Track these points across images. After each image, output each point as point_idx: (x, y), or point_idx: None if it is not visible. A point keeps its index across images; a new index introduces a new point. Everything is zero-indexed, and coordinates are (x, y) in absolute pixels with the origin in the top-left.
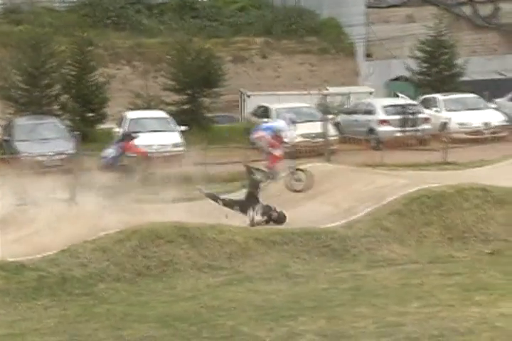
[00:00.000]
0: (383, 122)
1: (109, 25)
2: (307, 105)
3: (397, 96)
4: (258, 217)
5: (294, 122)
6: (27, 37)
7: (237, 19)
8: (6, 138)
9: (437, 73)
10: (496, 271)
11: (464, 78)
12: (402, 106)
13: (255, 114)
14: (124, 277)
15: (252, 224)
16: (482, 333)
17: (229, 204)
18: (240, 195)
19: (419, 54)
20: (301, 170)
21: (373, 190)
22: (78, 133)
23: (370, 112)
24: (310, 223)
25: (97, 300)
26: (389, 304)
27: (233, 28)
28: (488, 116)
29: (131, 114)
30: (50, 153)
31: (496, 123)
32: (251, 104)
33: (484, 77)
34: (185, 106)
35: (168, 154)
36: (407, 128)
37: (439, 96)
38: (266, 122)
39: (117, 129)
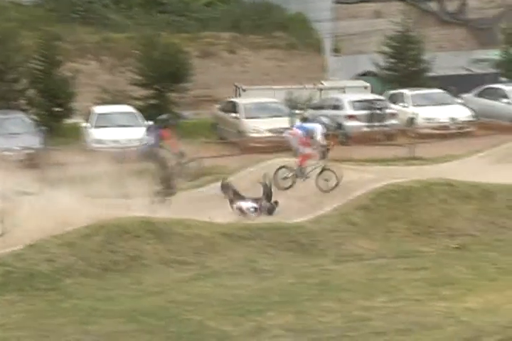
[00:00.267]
0: (351, 117)
1: (76, 20)
2: (275, 100)
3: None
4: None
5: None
6: None
7: (204, 14)
8: None
9: (404, 69)
10: (462, 266)
11: (431, 74)
12: (370, 101)
13: (223, 109)
14: (91, 272)
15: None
16: (448, 327)
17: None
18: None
19: (386, 49)
20: (330, 169)
21: (341, 185)
22: (45, 128)
23: (337, 107)
24: (277, 218)
25: (64, 295)
26: (356, 299)
27: (201, 23)
28: (455, 111)
29: (99, 109)
30: (16, 148)
31: (463, 119)
32: (247, 98)
33: (451, 73)
34: (153, 101)
35: (135, 149)
36: (375, 124)
37: (406, 92)
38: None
39: (83, 124)
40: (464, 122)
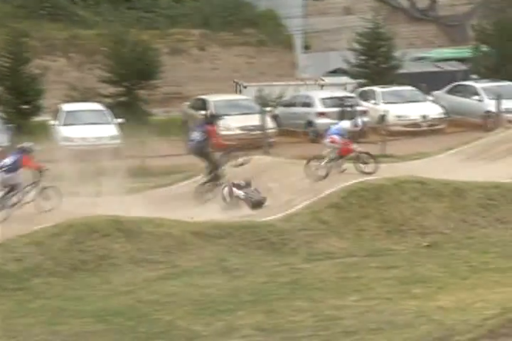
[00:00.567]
0: (321, 114)
1: (43, 17)
2: (245, 97)
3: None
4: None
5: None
6: None
7: (174, 11)
8: None
9: (375, 65)
10: (434, 264)
11: (402, 70)
12: (340, 98)
13: (193, 106)
14: (60, 271)
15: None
16: (420, 326)
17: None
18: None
19: (356, 46)
20: (368, 153)
21: (311, 182)
22: (13, 125)
23: (308, 105)
24: (248, 216)
25: (32, 295)
26: (327, 298)
27: (170, 20)
28: (426, 108)
29: (67, 107)
30: None
31: (434, 116)
32: (247, 95)
33: (422, 70)
34: (122, 99)
35: (105, 147)
36: None
37: (377, 89)
38: (336, 124)
39: (52, 122)
40: (434, 119)
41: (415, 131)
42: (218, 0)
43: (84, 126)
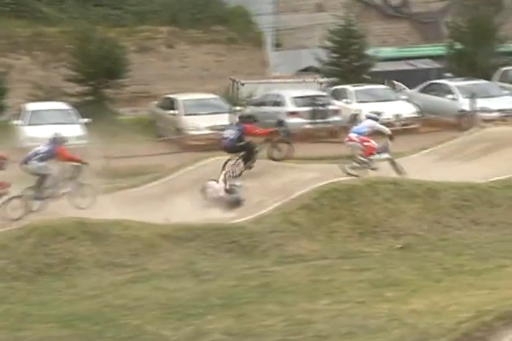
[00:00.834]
0: (292, 114)
1: (6, 13)
2: (214, 96)
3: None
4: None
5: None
6: None
7: (141, 7)
8: None
9: (347, 64)
10: (407, 266)
11: (375, 69)
12: (312, 97)
13: (161, 106)
14: (24, 276)
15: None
16: (393, 330)
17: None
18: None
19: (328, 44)
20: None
21: (282, 183)
22: None
23: (279, 104)
24: (221, 218)
25: None
26: (298, 301)
27: (137, 17)
28: (399, 107)
29: (32, 106)
30: None
31: (407, 115)
32: (245, 93)
33: (395, 68)
34: (88, 98)
35: (71, 147)
36: (317, 120)
37: (349, 88)
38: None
39: (15, 122)
40: (408, 119)
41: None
42: None
43: (50, 126)
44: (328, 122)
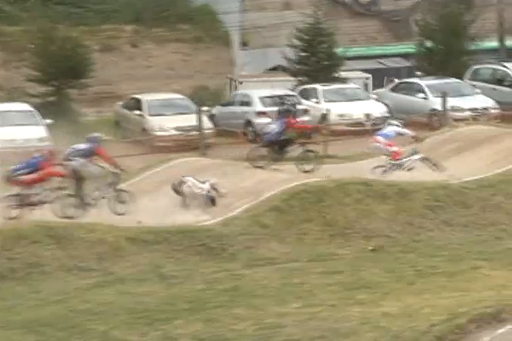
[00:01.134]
0: (261, 114)
1: None
2: (181, 97)
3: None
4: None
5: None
6: None
7: (104, 6)
8: None
9: (316, 63)
10: (379, 269)
11: (344, 68)
12: (280, 97)
13: (126, 106)
14: None
15: None
16: (365, 334)
17: None
18: None
19: (297, 42)
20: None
21: (251, 185)
22: None
23: (246, 103)
24: (185, 220)
25: None
26: (268, 305)
27: (101, 16)
28: (369, 107)
29: None
30: None
31: (378, 115)
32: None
33: (364, 67)
34: (51, 99)
35: (33, 149)
36: None
37: (318, 87)
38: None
39: None
40: (378, 118)
41: (359, 130)
42: None
43: (11, 128)
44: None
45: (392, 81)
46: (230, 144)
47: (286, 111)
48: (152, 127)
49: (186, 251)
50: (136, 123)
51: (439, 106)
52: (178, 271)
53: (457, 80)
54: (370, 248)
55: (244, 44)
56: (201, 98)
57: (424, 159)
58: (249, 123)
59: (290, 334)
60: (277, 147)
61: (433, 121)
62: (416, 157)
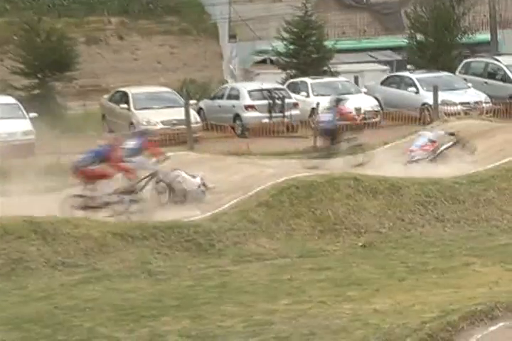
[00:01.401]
0: (249, 108)
1: None
2: (168, 90)
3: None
4: None
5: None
6: None
7: None
8: None
9: (305, 55)
10: (369, 265)
11: (334, 61)
12: (269, 90)
13: (112, 99)
14: None
15: None
16: (355, 331)
17: None
18: None
19: (285, 35)
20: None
21: (239, 180)
22: None
23: (235, 97)
24: (172, 216)
25: None
26: (257, 301)
27: (86, 7)
28: (360, 101)
29: None
30: None
31: (368, 109)
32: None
33: (355, 60)
34: (36, 92)
35: (17, 143)
36: (275, 114)
37: (307, 80)
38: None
39: None
40: (369, 112)
41: (348, 124)
42: None
43: None
44: (286, 116)
45: None
46: (218, 138)
47: (338, 100)
48: (139, 121)
49: (174, 246)
50: (122, 116)
51: (430, 100)
52: (166, 267)
53: (449, 74)
54: (360, 244)
55: (231, 36)
56: (189, 91)
57: (455, 143)
58: (237, 117)
59: (279, 331)
60: (332, 138)
61: (424, 115)
62: (447, 145)
